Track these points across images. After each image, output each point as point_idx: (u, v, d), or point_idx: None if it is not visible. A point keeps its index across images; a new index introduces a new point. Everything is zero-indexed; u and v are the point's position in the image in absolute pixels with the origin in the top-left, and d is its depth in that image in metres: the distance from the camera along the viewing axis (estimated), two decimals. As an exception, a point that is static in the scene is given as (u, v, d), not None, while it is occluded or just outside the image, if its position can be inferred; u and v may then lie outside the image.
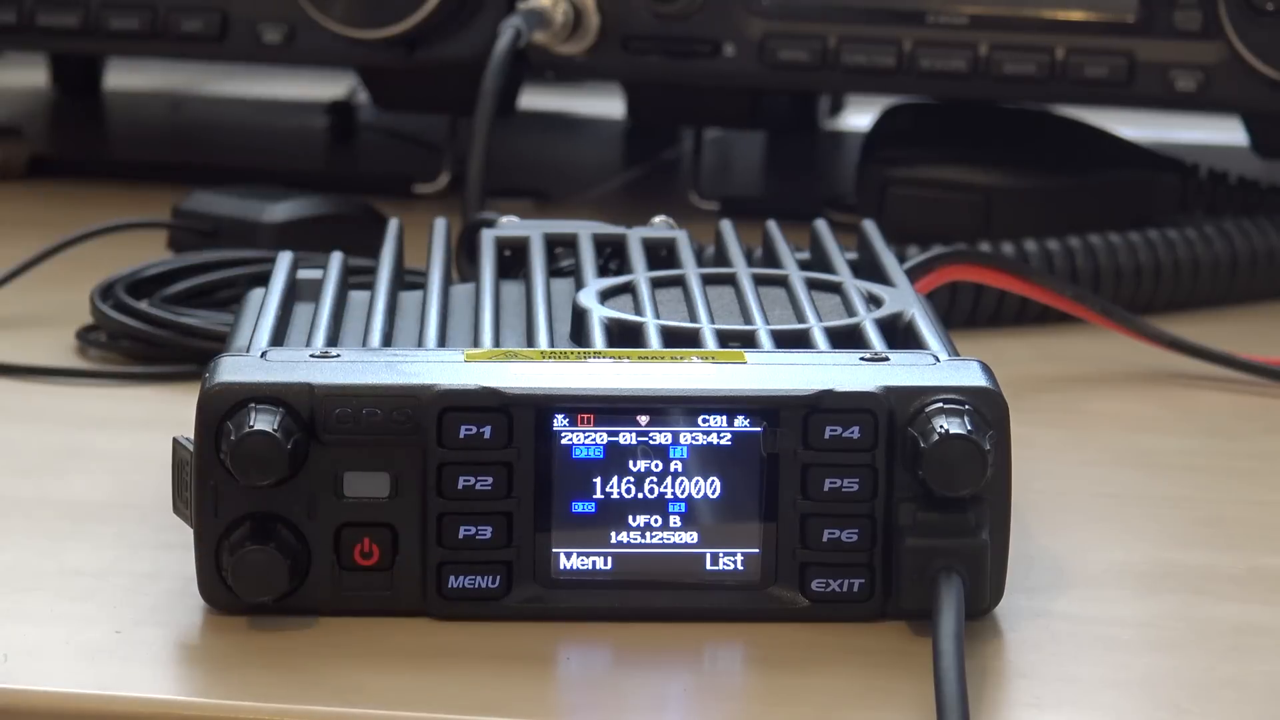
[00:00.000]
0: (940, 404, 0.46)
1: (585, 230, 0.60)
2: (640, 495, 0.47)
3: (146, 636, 0.46)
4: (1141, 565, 0.52)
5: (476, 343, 0.51)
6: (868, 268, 0.60)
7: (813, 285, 0.56)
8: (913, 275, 0.60)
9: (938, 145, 0.84)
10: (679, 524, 0.47)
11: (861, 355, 0.48)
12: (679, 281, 0.56)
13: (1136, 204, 0.82)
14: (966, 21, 0.81)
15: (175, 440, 0.47)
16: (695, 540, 0.47)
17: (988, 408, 0.46)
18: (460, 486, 0.46)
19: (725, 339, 0.51)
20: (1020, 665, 0.46)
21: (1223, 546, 0.53)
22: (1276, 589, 0.51)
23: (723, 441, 0.47)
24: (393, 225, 0.62)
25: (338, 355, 0.48)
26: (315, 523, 0.46)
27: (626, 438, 0.47)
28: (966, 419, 0.45)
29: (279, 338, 0.51)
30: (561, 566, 0.47)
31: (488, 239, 0.60)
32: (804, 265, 0.59)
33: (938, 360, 0.48)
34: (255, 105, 1.12)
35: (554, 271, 0.59)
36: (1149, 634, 0.48)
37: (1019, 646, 0.47)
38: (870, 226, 0.62)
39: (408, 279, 0.60)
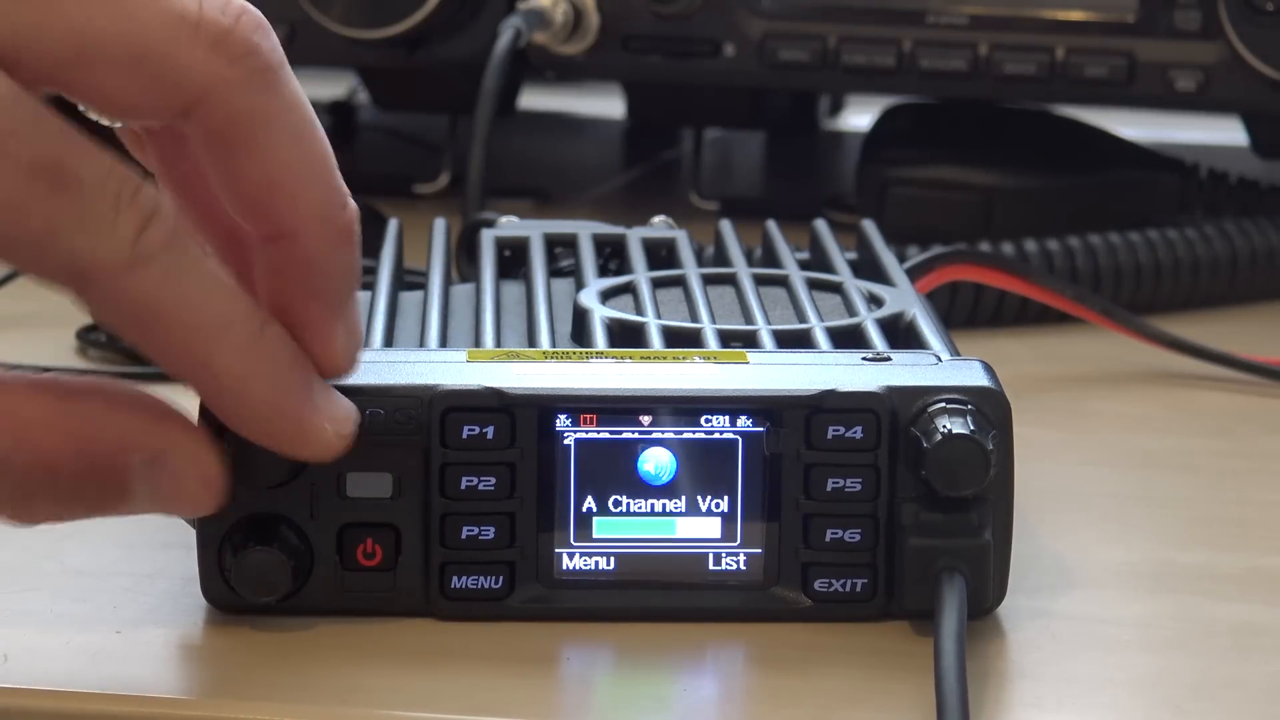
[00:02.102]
0: (943, 404, 0.46)
1: (585, 230, 0.60)
2: (643, 495, 0.47)
3: (146, 636, 0.46)
4: (1141, 565, 0.52)
5: (478, 343, 0.51)
6: (868, 268, 0.60)
7: (813, 285, 0.56)
8: (912, 275, 0.60)
9: (938, 145, 0.84)
10: (682, 524, 0.47)
11: (863, 355, 0.48)
12: (679, 281, 0.56)
13: (1136, 204, 0.82)
14: (966, 21, 0.81)
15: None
16: (698, 540, 0.47)
17: (990, 407, 0.46)
18: (463, 487, 0.46)
19: (727, 339, 0.51)
20: (1021, 665, 0.46)
21: (1223, 546, 0.53)
22: (1276, 589, 0.51)
23: (725, 441, 0.47)
24: (393, 225, 0.62)
25: (339, 355, 0.48)
26: (318, 523, 0.46)
27: (629, 438, 0.46)
28: (969, 419, 0.45)
29: (280, 338, 0.51)
30: (564, 567, 0.47)
31: (488, 239, 0.60)
32: (804, 265, 0.59)
33: (940, 360, 0.48)
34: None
35: (554, 271, 0.59)
36: (1149, 634, 0.48)
37: (1020, 646, 0.47)
38: (870, 226, 0.62)
39: (408, 279, 0.60)
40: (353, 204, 0.44)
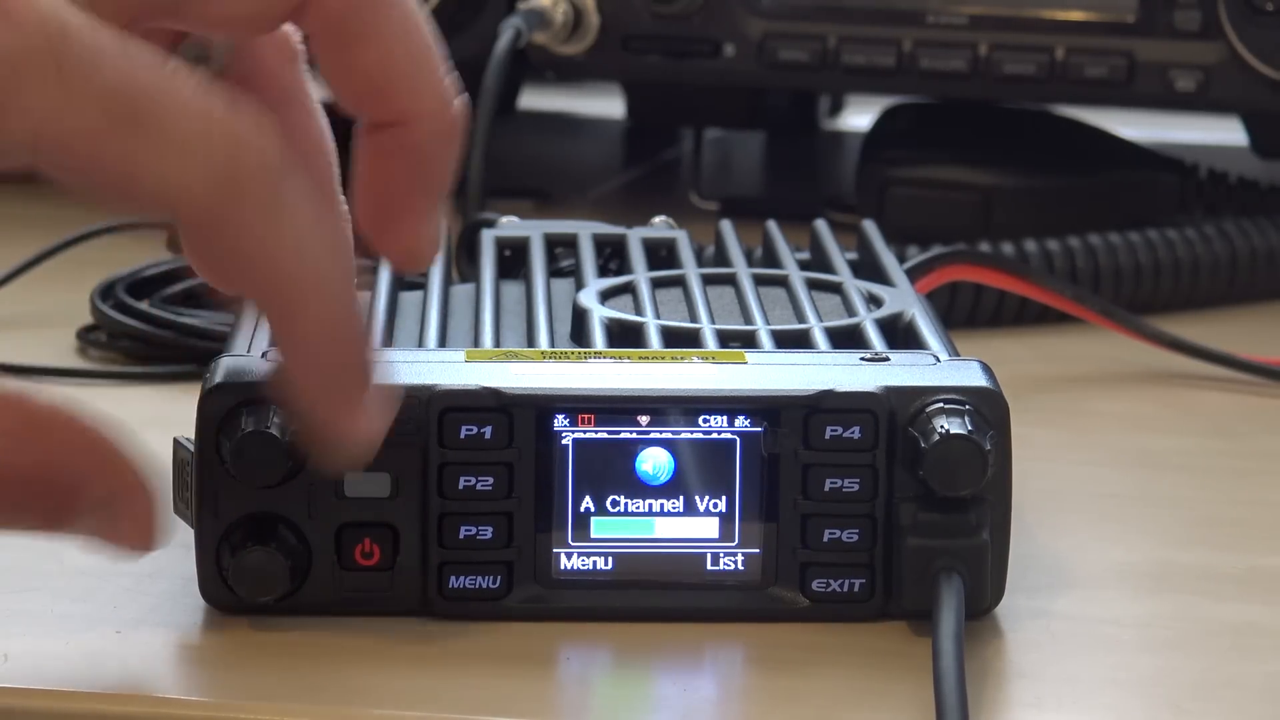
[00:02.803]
0: (941, 404, 0.46)
1: (585, 230, 0.60)
2: (641, 495, 0.47)
3: (146, 636, 0.46)
4: (1141, 565, 0.52)
5: (477, 343, 0.51)
6: (868, 268, 0.60)
7: (813, 285, 0.56)
8: (912, 275, 0.60)
9: (938, 145, 0.84)
10: (679, 524, 0.47)
11: (862, 355, 0.48)
12: (679, 281, 0.56)
13: (1136, 204, 0.82)
14: (966, 21, 0.81)
15: (176, 440, 0.47)
16: (696, 540, 0.47)
17: (988, 408, 0.46)
18: (461, 487, 0.46)
19: (726, 339, 0.51)
20: (1020, 665, 0.46)
21: (1223, 546, 0.53)
22: (1276, 589, 0.51)
23: (723, 441, 0.47)
24: (393, 225, 0.62)
25: (338, 355, 0.48)
26: (316, 523, 0.46)
27: (627, 438, 0.46)
28: (967, 419, 0.45)
29: (280, 338, 0.51)
30: (562, 566, 0.47)
31: (488, 239, 0.60)
32: (804, 265, 0.59)
33: (938, 360, 0.48)
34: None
35: (554, 271, 0.59)
36: (1149, 634, 0.48)
37: (1019, 646, 0.47)
38: (870, 226, 0.62)
39: (407, 279, 0.60)
40: (460, 101, 0.44)
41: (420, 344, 0.52)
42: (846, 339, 0.51)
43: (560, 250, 0.60)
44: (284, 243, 0.40)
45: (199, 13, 0.42)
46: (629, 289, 0.55)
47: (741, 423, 0.46)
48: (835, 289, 0.56)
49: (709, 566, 0.47)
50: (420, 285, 0.57)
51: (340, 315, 0.42)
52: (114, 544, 0.43)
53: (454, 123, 0.44)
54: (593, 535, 0.47)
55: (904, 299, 0.54)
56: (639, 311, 0.53)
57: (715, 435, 0.47)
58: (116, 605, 0.47)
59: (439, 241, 0.45)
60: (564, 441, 0.46)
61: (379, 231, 0.45)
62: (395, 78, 0.43)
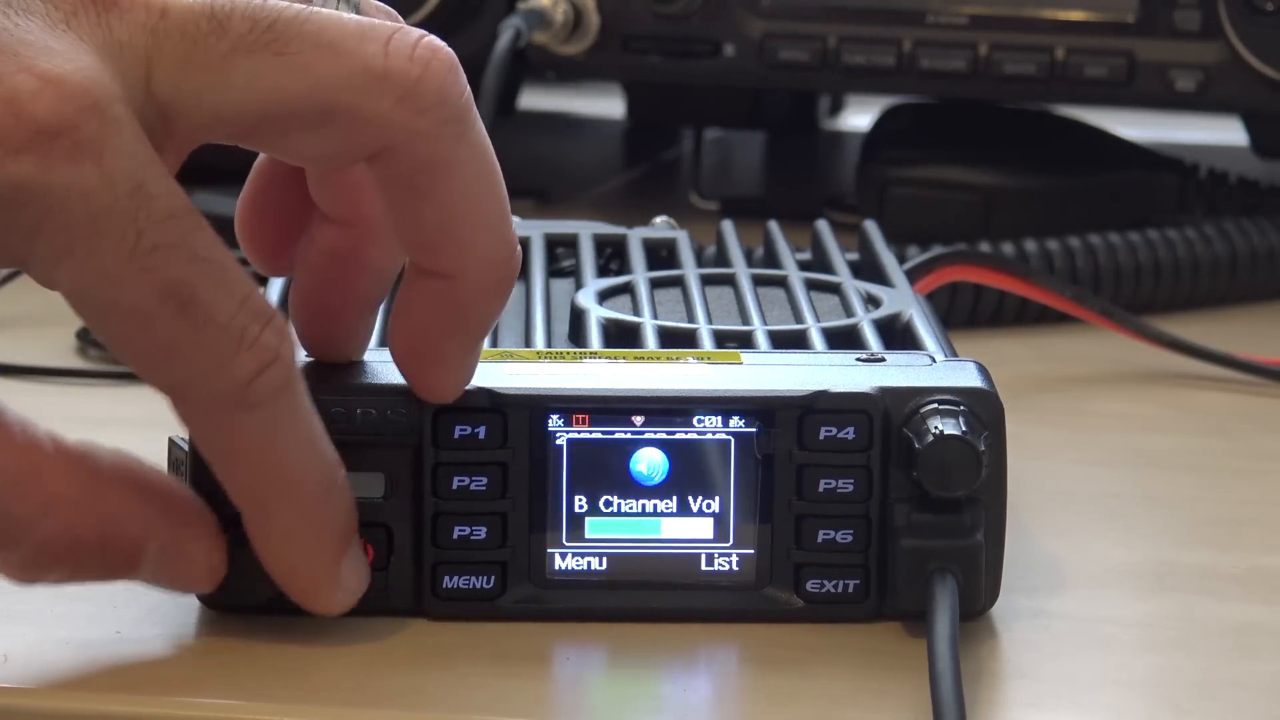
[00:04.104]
0: (935, 405, 0.46)
1: (586, 230, 0.60)
2: (635, 496, 0.47)
3: (146, 636, 0.46)
4: (1141, 565, 0.52)
5: (474, 343, 0.51)
6: (868, 268, 0.60)
7: (812, 286, 0.56)
8: (912, 275, 0.60)
9: (938, 145, 0.84)
10: (674, 525, 0.47)
11: (858, 356, 0.48)
12: (678, 282, 0.56)
13: (1136, 204, 0.82)
14: (966, 21, 0.81)
15: (171, 440, 0.47)
16: (690, 541, 0.47)
17: (983, 408, 0.46)
18: (455, 487, 0.46)
19: (722, 339, 0.51)
20: (1019, 665, 0.46)
21: (1223, 546, 0.53)
22: (1276, 589, 0.51)
23: (717, 442, 0.47)
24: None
25: (334, 355, 0.48)
26: (311, 523, 0.46)
27: (621, 438, 0.46)
28: (961, 420, 0.45)
29: (276, 338, 0.51)
30: (556, 567, 0.47)
31: (487, 239, 0.60)
32: (804, 265, 0.59)
33: (934, 361, 0.48)
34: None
35: (554, 271, 0.59)
36: (1149, 634, 0.48)
37: (1017, 646, 0.47)
38: (870, 226, 0.62)
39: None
40: (519, 252, 0.44)
41: (417, 344, 0.52)
42: (843, 339, 0.51)
43: (561, 250, 0.60)
44: (274, 452, 0.43)
45: (270, 149, 0.43)
46: (628, 289, 0.55)
47: (736, 423, 0.46)
48: (834, 289, 0.56)
49: (704, 567, 0.47)
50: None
51: (306, 522, 0.44)
52: (176, 586, 0.45)
53: (502, 280, 0.44)
54: (587, 535, 0.47)
55: (902, 299, 0.54)
56: (637, 312, 0.53)
57: (710, 436, 0.47)
58: (116, 605, 0.47)
59: (468, 381, 0.45)
60: (558, 442, 0.46)
61: (407, 366, 0.45)
62: (451, 236, 0.43)
